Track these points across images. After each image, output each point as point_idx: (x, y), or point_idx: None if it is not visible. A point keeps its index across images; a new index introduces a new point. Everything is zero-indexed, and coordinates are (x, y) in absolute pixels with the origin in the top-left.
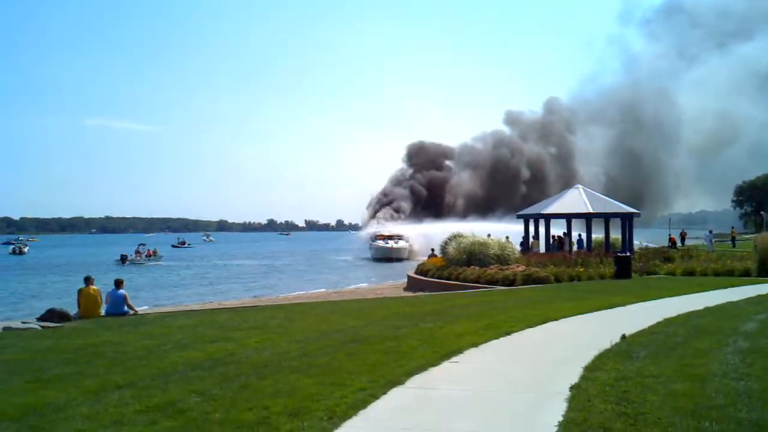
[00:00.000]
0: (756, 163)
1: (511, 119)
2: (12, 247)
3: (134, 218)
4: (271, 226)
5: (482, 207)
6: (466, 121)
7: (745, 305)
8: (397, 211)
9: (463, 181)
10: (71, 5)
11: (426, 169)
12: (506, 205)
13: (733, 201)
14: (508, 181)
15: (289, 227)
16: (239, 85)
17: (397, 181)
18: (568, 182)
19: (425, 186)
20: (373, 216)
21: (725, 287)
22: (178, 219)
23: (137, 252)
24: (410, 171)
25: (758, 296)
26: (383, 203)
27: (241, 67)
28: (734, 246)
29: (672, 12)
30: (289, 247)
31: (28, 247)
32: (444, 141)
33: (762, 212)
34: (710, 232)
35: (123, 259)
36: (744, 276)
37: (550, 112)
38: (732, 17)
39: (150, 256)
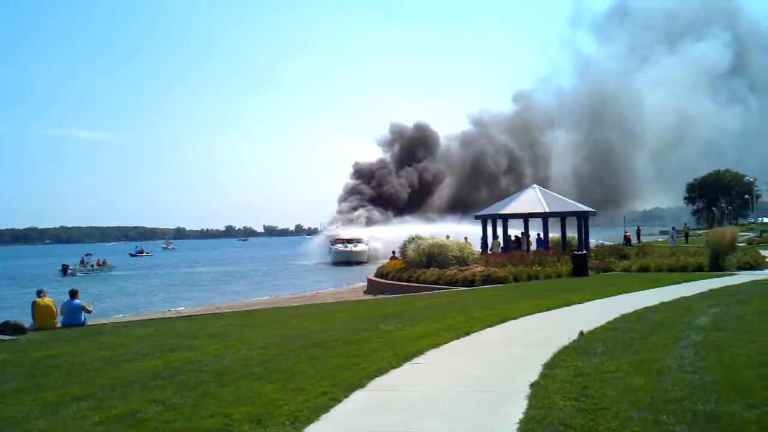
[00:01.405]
0: (706, 159)
1: (475, 121)
2: None
3: (89, 228)
4: (230, 232)
5: (460, 206)
6: (431, 119)
7: (698, 300)
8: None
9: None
10: (27, 14)
11: (408, 160)
12: (483, 205)
13: (685, 198)
14: (487, 178)
15: (248, 233)
16: (193, 89)
17: (380, 174)
18: (541, 182)
19: (412, 180)
20: (346, 211)
21: (679, 282)
22: (135, 227)
23: (82, 262)
24: (390, 161)
25: (710, 291)
26: (363, 197)
27: (195, 71)
28: (687, 242)
29: (621, 15)
30: (247, 253)
31: None
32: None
33: (713, 208)
34: (673, 228)
35: (64, 269)
36: (697, 271)
37: (521, 107)
38: (679, 19)
39: (100, 266)
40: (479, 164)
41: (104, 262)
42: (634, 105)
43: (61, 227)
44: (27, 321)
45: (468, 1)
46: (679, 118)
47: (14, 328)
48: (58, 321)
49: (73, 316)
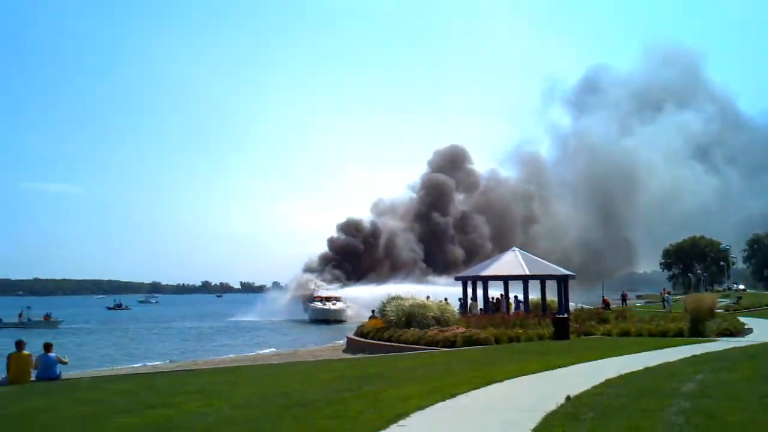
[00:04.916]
0: (683, 226)
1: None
2: None
3: (63, 280)
4: (206, 287)
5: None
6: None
7: (682, 365)
8: (339, 269)
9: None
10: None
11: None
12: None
13: (661, 263)
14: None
15: (224, 289)
16: (171, 142)
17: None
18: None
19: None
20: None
21: (661, 348)
22: (109, 281)
23: (20, 315)
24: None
25: (693, 356)
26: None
27: (173, 123)
28: (665, 307)
29: (591, 90)
30: (223, 309)
31: None
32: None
33: (689, 274)
34: (668, 293)
35: None
36: (678, 336)
37: (528, 171)
38: (650, 92)
39: (47, 320)
40: (502, 227)
41: (49, 316)
42: (625, 172)
43: (35, 279)
44: (2, 374)
45: (434, 67)
46: (662, 186)
47: None
48: (33, 375)
49: (48, 369)
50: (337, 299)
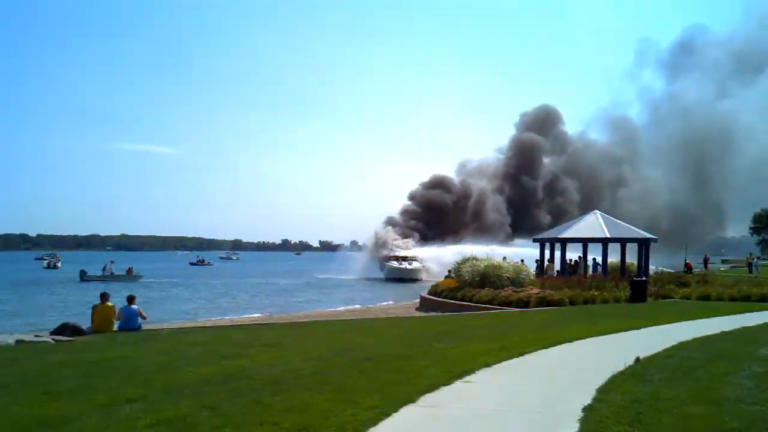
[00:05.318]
0: None
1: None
2: (46, 261)
3: (149, 237)
4: (285, 245)
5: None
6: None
7: (760, 331)
8: (415, 230)
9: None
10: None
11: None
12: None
13: (751, 228)
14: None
15: (303, 247)
16: (253, 102)
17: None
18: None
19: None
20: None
21: (741, 312)
22: (193, 238)
23: (104, 269)
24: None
25: None
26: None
27: (256, 85)
28: (751, 272)
29: (686, 51)
30: (302, 266)
31: (61, 262)
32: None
33: None
34: (756, 258)
35: (82, 275)
36: (761, 301)
37: (620, 136)
38: (752, 54)
39: (129, 274)
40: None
41: (131, 270)
42: (720, 135)
43: (122, 235)
44: (87, 323)
45: (525, 32)
46: (760, 150)
47: (72, 330)
48: (115, 325)
49: (130, 320)
50: (414, 259)
